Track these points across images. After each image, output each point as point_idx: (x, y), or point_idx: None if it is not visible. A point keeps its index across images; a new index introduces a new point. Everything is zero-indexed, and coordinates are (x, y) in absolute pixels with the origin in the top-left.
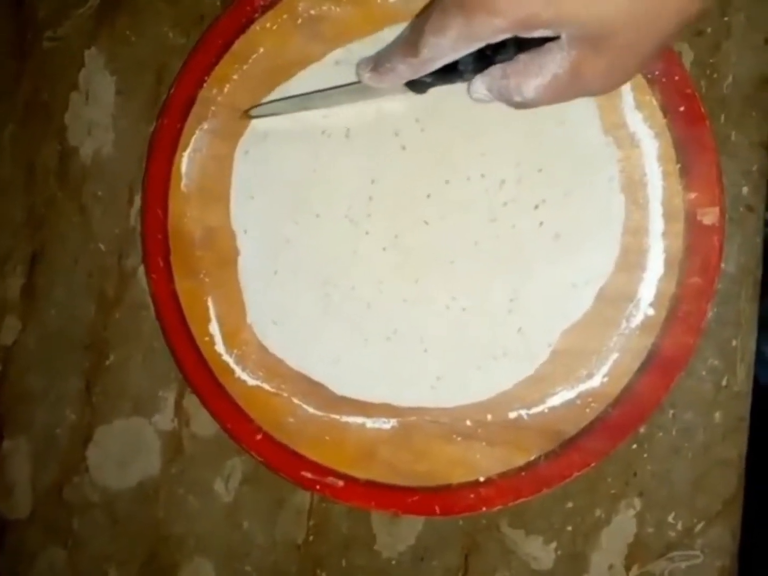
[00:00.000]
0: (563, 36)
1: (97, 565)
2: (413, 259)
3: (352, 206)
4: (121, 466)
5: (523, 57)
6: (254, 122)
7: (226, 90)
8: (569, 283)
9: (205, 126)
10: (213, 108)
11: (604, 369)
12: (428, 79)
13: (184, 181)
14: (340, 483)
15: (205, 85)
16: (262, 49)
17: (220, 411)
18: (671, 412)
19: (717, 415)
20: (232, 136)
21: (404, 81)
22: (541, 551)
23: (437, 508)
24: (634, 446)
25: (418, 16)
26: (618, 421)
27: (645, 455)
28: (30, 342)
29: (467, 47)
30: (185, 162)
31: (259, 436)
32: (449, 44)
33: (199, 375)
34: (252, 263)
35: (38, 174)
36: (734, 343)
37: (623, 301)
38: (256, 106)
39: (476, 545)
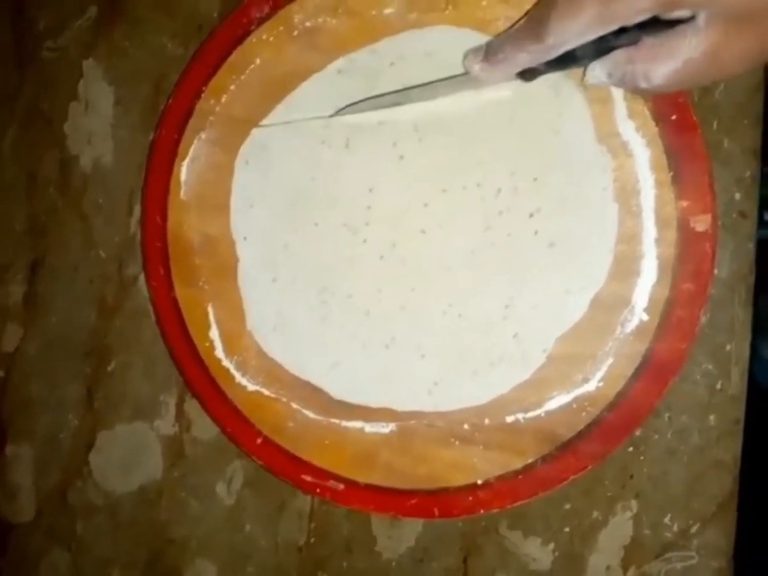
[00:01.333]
0: (701, 16)
1: (100, 568)
2: (410, 267)
3: (350, 215)
4: (123, 470)
5: (650, 40)
6: (254, 132)
7: (223, 100)
8: (564, 290)
9: (203, 136)
10: (211, 118)
11: (600, 374)
12: (542, 67)
13: (183, 190)
14: (341, 486)
15: (202, 95)
16: (258, 60)
17: (221, 416)
18: (667, 415)
19: (711, 418)
20: (231, 145)
21: (519, 70)
22: (539, 552)
23: (436, 511)
24: (630, 449)
25: (537, 3)
26: (613, 424)
27: (641, 458)
28: (31, 349)
29: (599, 31)
30: (184, 171)
31: (259, 440)
32: (579, 29)
33: (200, 380)
34: (251, 271)
35: (39, 182)
36: (728, 347)
37: (618, 307)
38: (343, 108)
39: (475, 547)
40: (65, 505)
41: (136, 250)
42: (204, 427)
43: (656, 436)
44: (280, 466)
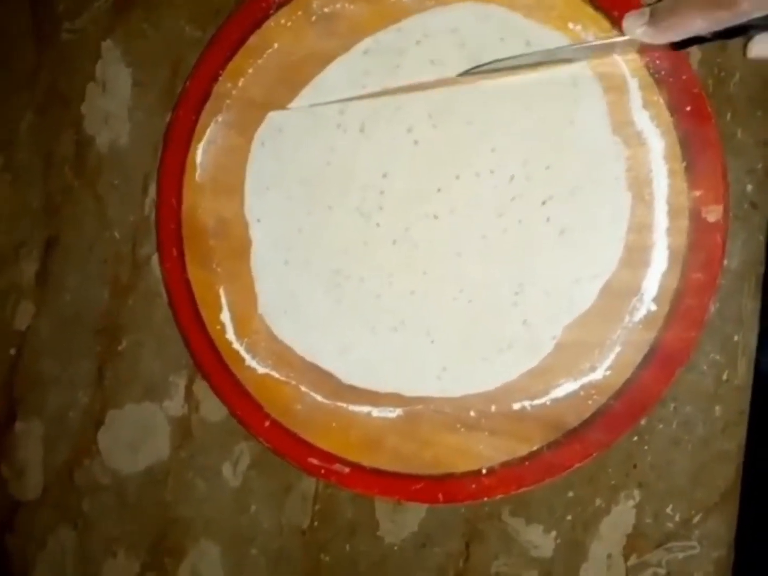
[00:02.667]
0: None
1: (106, 546)
2: (422, 252)
3: (364, 199)
4: (131, 449)
5: None
6: (270, 115)
7: (240, 84)
8: (574, 278)
9: (220, 118)
10: (228, 101)
11: (607, 362)
12: (709, 35)
13: (198, 172)
14: (346, 470)
15: (219, 78)
16: (276, 45)
17: (230, 397)
18: (672, 405)
19: (717, 408)
20: (247, 128)
21: (693, 35)
22: (541, 539)
23: (440, 496)
24: (635, 438)
25: None
26: (620, 413)
27: (645, 447)
28: (44, 326)
29: None
30: (200, 153)
31: (267, 423)
32: None
33: (210, 362)
34: (264, 253)
35: (55, 162)
36: (736, 338)
37: (627, 295)
38: (474, 68)
39: (478, 533)
40: (72, 483)
41: (150, 230)
42: (212, 409)
43: (661, 426)
44: (287, 448)
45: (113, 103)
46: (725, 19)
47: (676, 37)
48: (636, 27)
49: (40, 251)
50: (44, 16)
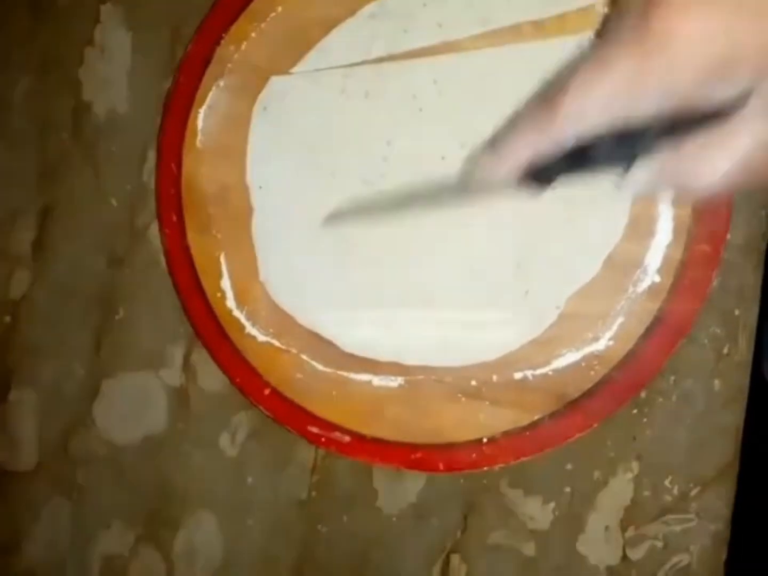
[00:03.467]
0: (757, 99)
1: (101, 517)
2: (424, 220)
3: (367, 166)
4: (127, 420)
5: (696, 137)
6: (272, 80)
7: (243, 48)
8: (578, 249)
9: (222, 83)
10: (229, 65)
11: (610, 333)
12: (553, 167)
13: (199, 137)
14: (347, 438)
15: (222, 42)
16: (280, 8)
17: (230, 366)
18: (672, 378)
19: (717, 383)
20: (250, 93)
21: (526, 163)
22: (539, 511)
23: (441, 465)
24: (635, 411)
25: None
26: (621, 383)
27: (645, 420)
28: (39, 296)
29: (627, 108)
30: (201, 118)
31: (267, 391)
32: (599, 110)
33: (210, 330)
34: (266, 220)
35: (51, 128)
36: (737, 312)
37: (631, 266)
38: (336, 214)
39: (476, 504)
40: (67, 454)
41: (148, 199)
42: (210, 379)
43: (661, 399)
44: (287, 416)
45: (112, 69)
46: (552, 137)
47: (514, 165)
48: (481, 161)
49: (36, 219)
50: None
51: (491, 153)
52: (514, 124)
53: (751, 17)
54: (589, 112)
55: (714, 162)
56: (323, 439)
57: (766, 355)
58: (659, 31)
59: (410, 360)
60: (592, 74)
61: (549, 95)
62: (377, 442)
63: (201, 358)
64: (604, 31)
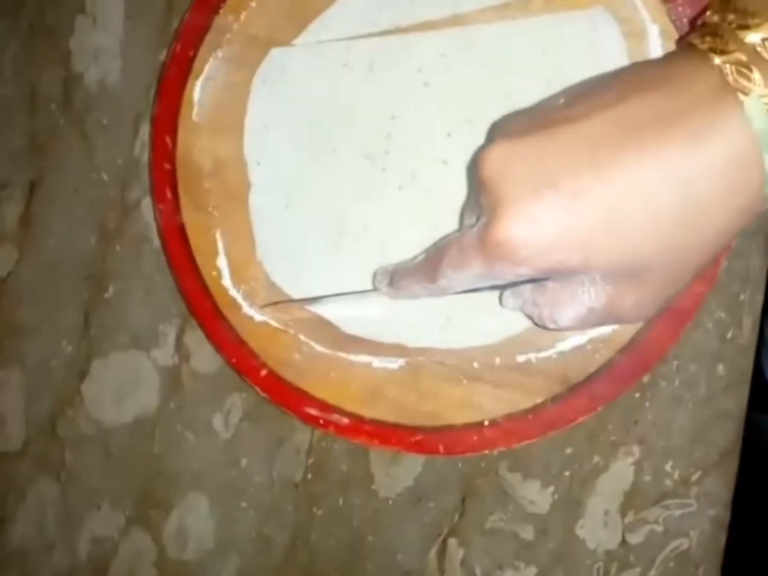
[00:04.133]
0: (596, 275)
1: (90, 499)
2: (429, 199)
3: (369, 142)
4: (117, 400)
5: (552, 285)
6: (272, 52)
7: (242, 17)
8: None
9: (220, 54)
10: (228, 35)
11: None
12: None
13: (195, 110)
14: (345, 420)
15: (221, 11)
16: None
17: (226, 346)
18: (675, 362)
19: (720, 367)
20: (249, 65)
21: (421, 298)
22: (537, 495)
23: (441, 448)
24: (637, 395)
25: (438, 242)
26: (626, 367)
27: (647, 404)
28: (26, 272)
29: (487, 284)
30: (198, 90)
31: (264, 372)
32: (467, 280)
33: (205, 309)
34: (263, 197)
35: (40, 99)
36: (742, 297)
37: None
38: (272, 304)
39: (474, 488)
40: (55, 435)
41: (140, 174)
42: (203, 360)
43: (663, 383)
44: (284, 398)
45: (104, 38)
46: (435, 291)
47: (409, 298)
48: (382, 285)
49: (24, 193)
50: None
51: (390, 285)
52: (407, 269)
53: (589, 232)
54: (458, 282)
55: (562, 310)
56: (321, 421)
57: (766, 345)
58: (500, 242)
59: (412, 342)
60: (457, 260)
61: (429, 259)
62: (376, 424)
63: (194, 338)
64: (466, 209)
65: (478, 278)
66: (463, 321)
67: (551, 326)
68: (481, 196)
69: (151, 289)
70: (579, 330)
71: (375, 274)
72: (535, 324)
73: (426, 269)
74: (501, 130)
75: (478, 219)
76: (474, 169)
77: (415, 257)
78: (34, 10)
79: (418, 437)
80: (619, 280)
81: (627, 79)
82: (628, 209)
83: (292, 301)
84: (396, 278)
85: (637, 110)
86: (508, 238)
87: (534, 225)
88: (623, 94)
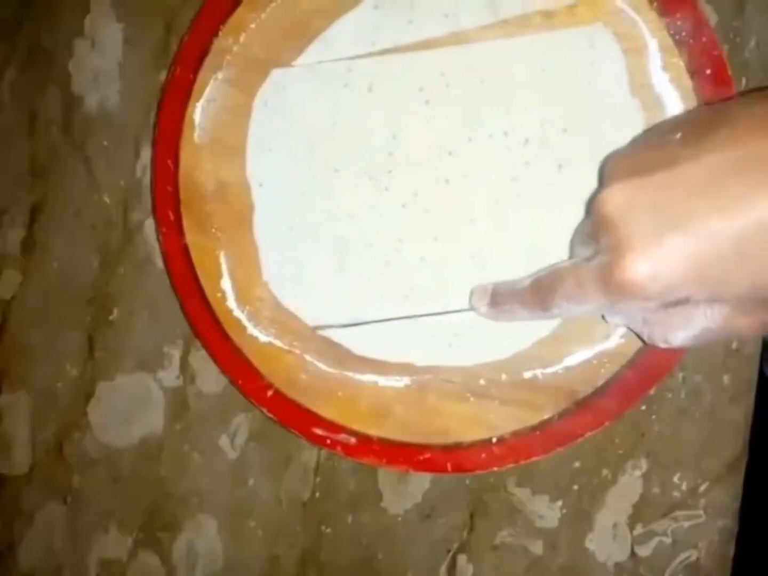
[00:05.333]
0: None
1: (98, 521)
2: (432, 217)
3: (371, 161)
4: (123, 422)
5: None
6: (273, 73)
7: (242, 39)
8: None
9: (220, 76)
10: (228, 57)
11: (621, 330)
12: None
13: (197, 132)
14: (353, 440)
15: (220, 33)
16: None
17: (231, 367)
18: (681, 374)
19: (725, 378)
20: (250, 86)
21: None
22: (546, 510)
23: (449, 466)
24: (643, 407)
25: (547, 270)
26: (632, 381)
27: (653, 416)
28: (30, 296)
29: (602, 312)
30: (198, 112)
31: (270, 393)
32: (585, 310)
33: (210, 331)
34: (267, 218)
35: (40, 122)
36: None
37: None
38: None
39: (482, 504)
40: (62, 458)
41: (142, 195)
42: (209, 380)
43: (669, 395)
44: (291, 418)
45: (103, 61)
46: (544, 317)
47: (510, 320)
48: (481, 306)
49: (25, 217)
50: None
51: (492, 306)
52: (513, 293)
53: (712, 268)
54: (573, 311)
55: (674, 331)
56: (329, 441)
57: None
58: (626, 281)
59: (420, 360)
60: (573, 293)
61: (540, 287)
62: (384, 443)
63: (199, 359)
64: (582, 235)
65: (596, 309)
66: (472, 338)
67: (662, 345)
68: (601, 234)
69: (155, 311)
70: (692, 346)
71: (471, 293)
72: (643, 342)
73: (536, 297)
74: (617, 167)
75: (595, 253)
76: (593, 208)
77: (518, 281)
78: (32, 34)
79: (427, 455)
80: (741, 306)
81: (740, 115)
82: (755, 244)
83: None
84: (498, 300)
85: (759, 146)
86: (635, 277)
87: (661, 265)
88: (742, 131)
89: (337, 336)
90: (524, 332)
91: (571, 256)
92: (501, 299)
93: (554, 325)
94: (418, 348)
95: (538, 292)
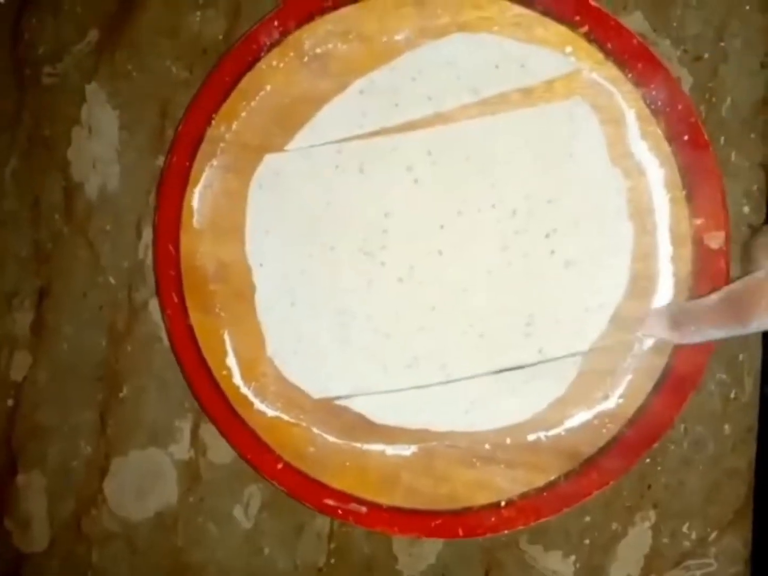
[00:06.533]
0: None
1: None
2: (429, 288)
3: (366, 239)
4: (138, 496)
5: None
6: (266, 158)
7: (234, 127)
8: (583, 308)
9: (215, 162)
10: (222, 145)
11: (619, 390)
12: None
13: (195, 217)
14: (363, 509)
15: (212, 123)
16: (269, 87)
17: (240, 442)
18: (682, 426)
19: (726, 427)
20: (244, 171)
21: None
22: (560, 565)
23: (460, 531)
24: (648, 460)
25: (738, 285)
26: (634, 439)
27: (658, 468)
28: (41, 377)
29: None
30: (196, 198)
31: (279, 466)
32: None
33: (218, 408)
34: (269, 296)
35: (43, 209)
36: (741, 357)
37: (636, 323)
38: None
39: (496, 562)
40: (80, 534)
41: (145, 274)
42: (220, 452)
43: (673, 447)
44: (301, 490)
45: (101, 147)
46: (740, 332)
47: (697, 340)
48: (664, 330)
49: (33, 300)
50: (24, 58)
51: (675, 329)
52: (700, 311)
53: None
54: None
55: None
56: (340, 511)
57: None
58: None
59: (438, 426)
60: None
61: (736, 302)
62: (395, 510)
63: (209, 432)
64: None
65: None
66: (488, 403)
67: None
68: None
69: (164, 387)
70: None
71: (650, 318)
72: None
73: (730, 313)
74: None
75: None
76: None
77: (704, 299)
78: (31, 123)
79: (438, 521)
80: None
81: None
82: None
83: None
84: (683, 321)
85: None
86: None
87: None
88: None
89: (355, 405)
90: (535, 394)
91: (751, 270)
92: (685, 320)
93: (568, 383)
94: (436, 413)
95: (734, 308)
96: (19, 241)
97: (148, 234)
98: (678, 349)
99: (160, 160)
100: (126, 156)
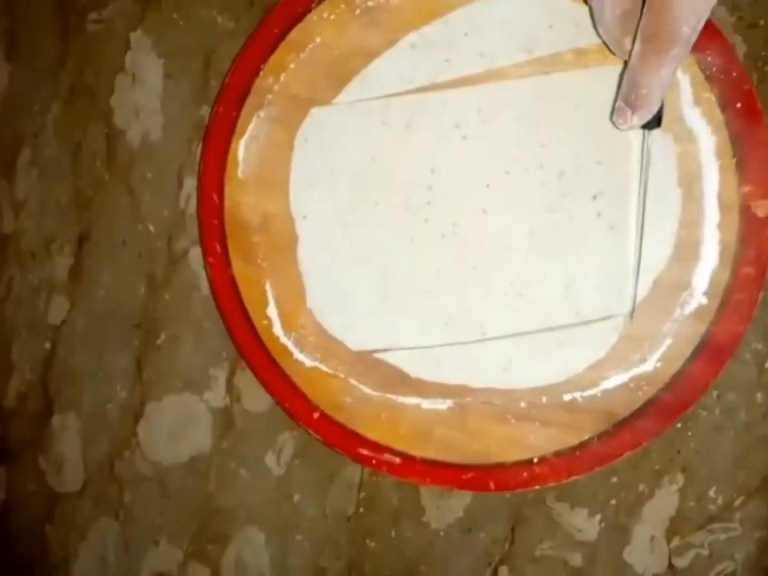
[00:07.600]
0: None
1: (148, 536)
2: (471, 247)
3: (411, 195)
4: (172, 441)
5: None
6: (313, 111)
7: (282, 79)
8: (625, 272)
9: (262, 114)
10: (269, 96)
11: (658, 354)
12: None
13: (241, 168)
14: (397, 460)
15: (260, 73)
16: (319, 39)
17: (279, 390)
18: (715, 393)
19: (759, 395)
20: (291, 124)
21: (664, 92)
22: (585, 523)
23: (492, 485)
24: (679, 425)
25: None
26: (669, 403)
27: (689, 433)
28: (78, 321)
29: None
30: (242, 149)
31: (316, 415)
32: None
33: (257, 357)
34: (311, 249)
35: (84, 156)
36: None
37: (678, 289)
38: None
39: (523, 517)
40: (113, 476)
41: (186, 224)
42: (254, 400)
43: (704, 413)
44: (337, 439)
45: (144, 96)
46: (681, 50)
47: (657, 104)
48: (629, 121)
49: (73, 246)
50: (69, 5)
51: (628, 104)
52: (637, 66)
53: None
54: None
55: None
56: (374, 461)
57: None
58: None
59: (477, 382)
60: None
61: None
62: (427, 462)
63: (244, 380)
64: None
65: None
66: (526, 363)
67: None
68: None
69: (200, 335)
70: None
71: (615, 119)
72: None
73: (658, 37)
74: None
75: None
76: None
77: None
78: (75, 70)
79: (470, 475)
80: None
81: None
82: None
83: None
84: (629, 90)
85: None
86: None
87: None
88: None
89: (392, 359)
90: (573, 358)
91: None
92: (631, 87)
93: (608, 347)
94: (472, 371)
95: (656, 31)
96: (60, 188)
97: (189, 183)
98: (718, 316)
99: (204, 110)
100: (169, 105)
